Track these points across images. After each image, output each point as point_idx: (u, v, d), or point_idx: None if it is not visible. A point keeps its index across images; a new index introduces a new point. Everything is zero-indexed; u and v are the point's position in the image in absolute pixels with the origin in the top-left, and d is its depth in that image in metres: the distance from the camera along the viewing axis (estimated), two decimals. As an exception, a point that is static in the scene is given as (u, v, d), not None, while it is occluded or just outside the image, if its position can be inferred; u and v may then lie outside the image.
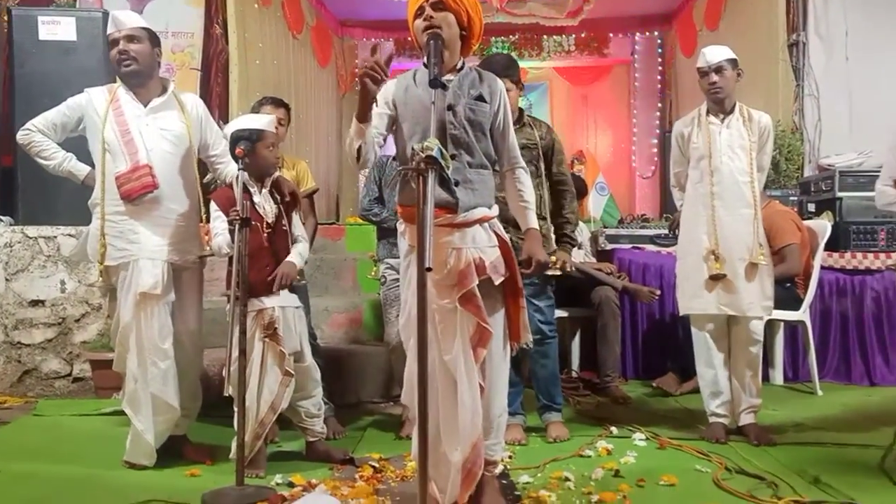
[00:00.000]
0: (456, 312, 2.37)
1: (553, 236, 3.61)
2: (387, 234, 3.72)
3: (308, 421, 3.15)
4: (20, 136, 3.21)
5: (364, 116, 2.35)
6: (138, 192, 3.04)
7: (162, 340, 3.05)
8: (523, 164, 2.63)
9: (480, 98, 2.47)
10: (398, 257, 3.59)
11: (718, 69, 3.42)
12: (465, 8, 2.44)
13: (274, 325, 2.97)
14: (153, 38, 3.18)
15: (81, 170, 3.23)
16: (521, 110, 3.60)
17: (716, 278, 3.39)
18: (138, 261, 3.05)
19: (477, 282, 2.36)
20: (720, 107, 3.47)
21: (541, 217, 3.50)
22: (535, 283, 3.42)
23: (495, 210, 2.49)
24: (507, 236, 2.52)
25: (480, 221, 2.43)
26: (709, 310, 3.43)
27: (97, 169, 3.13)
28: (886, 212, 3.53)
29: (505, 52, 8.93)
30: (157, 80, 3.24)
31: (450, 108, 2.43)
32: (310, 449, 3.19)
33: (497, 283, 2.42)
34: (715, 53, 3.45)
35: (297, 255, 3.16)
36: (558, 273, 3.58)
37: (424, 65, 2.44)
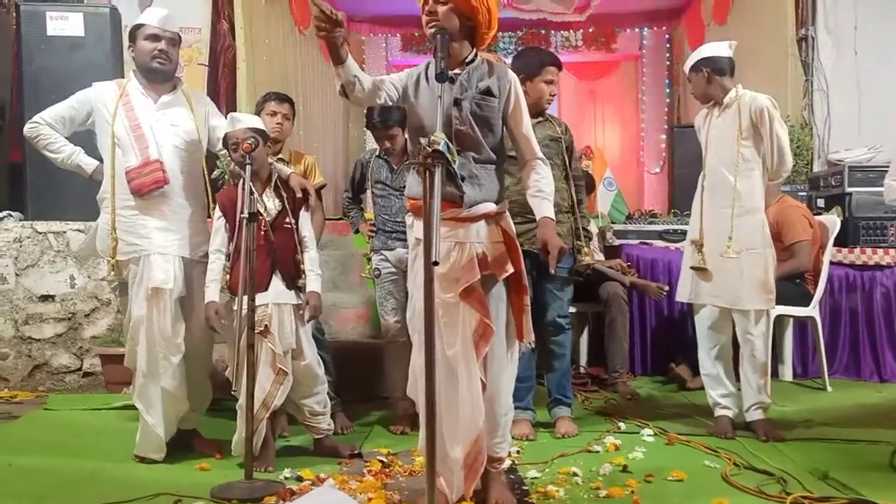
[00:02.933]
0: (459, 307, 2.36)
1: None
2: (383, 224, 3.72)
3: (312, 419, 3.16)
4: (27, 128, 3.21)
5: (338, 60, 2.29)
6: (149, 188, 3.06)
7: (175, 335, 3.06)
8: (542, 155, 2.56)
9: (488, 92, 2.43)
10: (393, 249, 3.62)
11: (689, 79, 3.54)
12: None
13: (265, 321, 2.95)
14: (180, 44, 3.27)
15: (89, 164, 3.23)
16: None
17: (696, 269, 3.44)
18: (149, 256, 3.06)
19: (479, 277, 2.36)
20: (714, 102, 3.51)
21: (568, 212, 3.55)
22: (562, 275, 3.46)
23: (502, 206, 2.48)
24: (514, 232, 2.49)
25: (486, 217, 2.42)
26: (690, 298, 3.52)
27: (106, 163, 3.14)
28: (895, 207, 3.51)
29: (519, 46, 8.93)
30: (172, 78, 3.28)
31: (456, 102, 2.40)
32: (317, 445, 3.20)
33: (500, 278, 2.41)
34: (686, 64, 3.55)
35: (315, 279, 3.15)
36: (586, 265, 3.64)
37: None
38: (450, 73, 2.38)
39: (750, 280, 3.36)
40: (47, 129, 3.19)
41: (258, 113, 3.63)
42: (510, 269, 2.42)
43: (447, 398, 2.37)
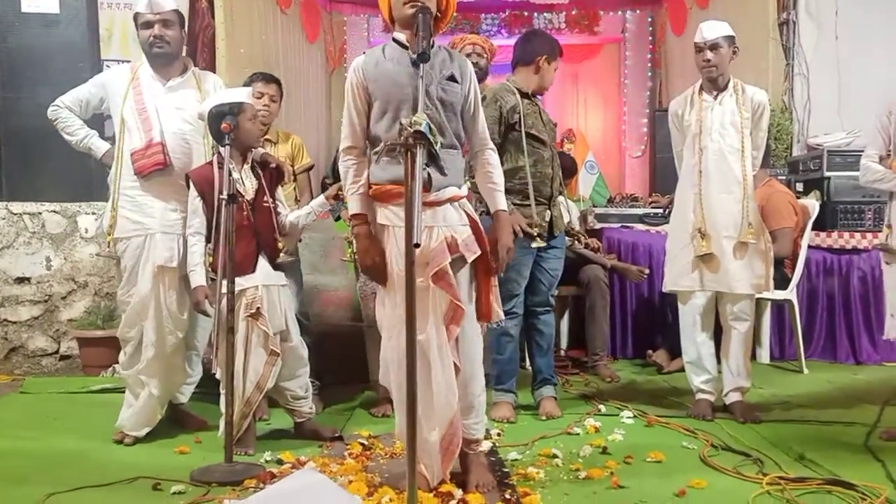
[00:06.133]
0: (429, 291, 2.36)
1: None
2: None
3: (294, 402, 3.15)
4: (50, 112, 3.29)
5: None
6: (149, 169, 3.10)
7: (181, 311, 3.14)
8: (492, 145, 2.65)
9: (452, 78, 2.47)
10: None
11: (714, 46, 3.39)
12: None
13: (256, 304, 2.94)
14: (182, 20, 3.26)
15: (100, 147, 3.30)
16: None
17: (702, 257, 3.39)
18: (154, 234, 3.12)
19: (450, 259, 2.37)
20: (713, 84, 3.45)
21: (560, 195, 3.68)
22: (559, 256, 3.57)
23: (465, 189, 2.51)
24: (476, 216, 2.52)
25: (451, 200, 2.44)
26: (694, 287, 3.45)
27: (116, 144, 3.19)
28: (872, 189, 3.54)
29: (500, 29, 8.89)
30: (181, 59, 3.29)
31: None
32: (298, 428, 3.19)
33: (469, 260, 2.42)
34: (712, 29, 3.41)
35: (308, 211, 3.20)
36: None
37: (395, 41, 2.47)
38: (414, 57, 2.37)
39: (748, 262, 3.38)
40: (66, 112, 3.27)
41: None
42: (478, 251, 2.44)
43: (420, 383, 2.36)
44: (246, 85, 3.68)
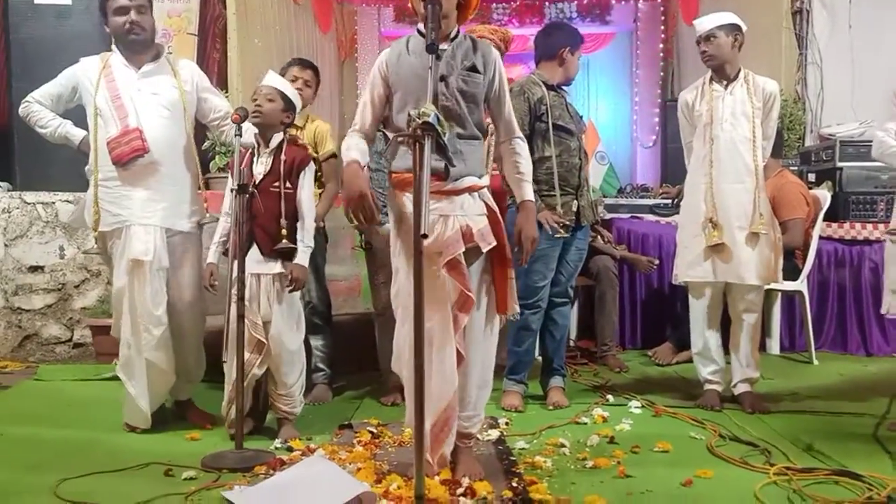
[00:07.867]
0: (441, 280, 2.35)
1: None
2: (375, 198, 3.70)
3: (280, 398, 3.06)
4: (21, 109, 3.24)
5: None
6: (128, 156, 3.04)
7: (155, 307, 3.06)
8: (520, 134, 2.61)
9: (473, 68, 2.44)
10: (383, 224, 3.60)
11: (708, 37, 3.39)
12: None
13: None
14: (151, 6, 3.20)
15: (76, 135, 3.22)
16: None
17: (714, 247, 3.38)
18: (130, 227, 3.06)
19: (463, 249, 2.36)
20: (721, 74, 3.44)
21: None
22: (582, 248, 3.61)
23: (485, 180, 2.49)
24: (496, 206, 2.51)
25: (469, 190, 2.43)
26: (706, 278, 3.43)
27: (90, 135, 3.13)
28: (883, 162, 3.51)
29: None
30: (154, 45, 3.24)
31: (442, 78, 2.39)
32: (278, 424, 3.11)
33: (484, 250, 2.42)
34: (705, 22, 3.42)
35: (305, 250, 3.03)
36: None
37: (419, 31, 2.44)
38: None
39: (759, 253, 3.37)
40: (37, 105, 3.20)
41: None
42: (493, 242, 2.43)
43: (427, 370, 2.37)
44: (282, 70, 3.66)
